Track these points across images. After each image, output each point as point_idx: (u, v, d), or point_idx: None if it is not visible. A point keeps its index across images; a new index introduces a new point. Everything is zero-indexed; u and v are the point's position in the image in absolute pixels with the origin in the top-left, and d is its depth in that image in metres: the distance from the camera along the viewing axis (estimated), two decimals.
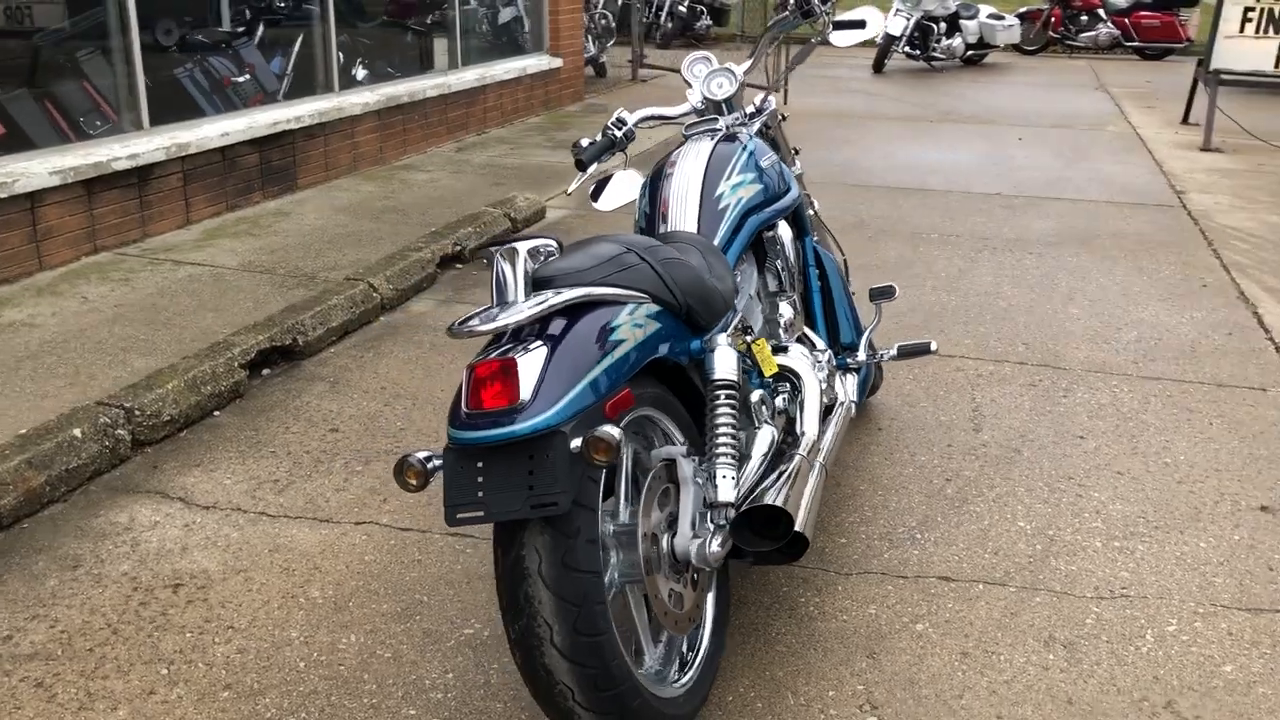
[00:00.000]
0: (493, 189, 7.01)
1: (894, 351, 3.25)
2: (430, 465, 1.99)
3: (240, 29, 6.78)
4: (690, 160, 2.88)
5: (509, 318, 1.96)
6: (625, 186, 3.07)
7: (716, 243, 2.70)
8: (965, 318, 4.85)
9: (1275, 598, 2.79)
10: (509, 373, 1.92)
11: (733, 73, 3.10)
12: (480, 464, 1.93)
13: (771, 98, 3.28)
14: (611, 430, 1.87)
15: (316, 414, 3.77)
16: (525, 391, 1.91)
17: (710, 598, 2.38)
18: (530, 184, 7.21)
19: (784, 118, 3.44)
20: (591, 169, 3.01)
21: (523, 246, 2.05)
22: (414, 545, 2.99)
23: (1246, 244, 6.14)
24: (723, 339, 2.38)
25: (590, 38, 12.22)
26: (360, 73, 7.73)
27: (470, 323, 1.99)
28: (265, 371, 4.11)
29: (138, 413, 3.45)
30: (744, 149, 2.94)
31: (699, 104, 3.15)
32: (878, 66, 14.44)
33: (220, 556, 2.92)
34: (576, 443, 1.90)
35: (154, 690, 2.40)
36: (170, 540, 2.99)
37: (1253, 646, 2.60)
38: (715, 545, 2.19)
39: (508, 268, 2.05)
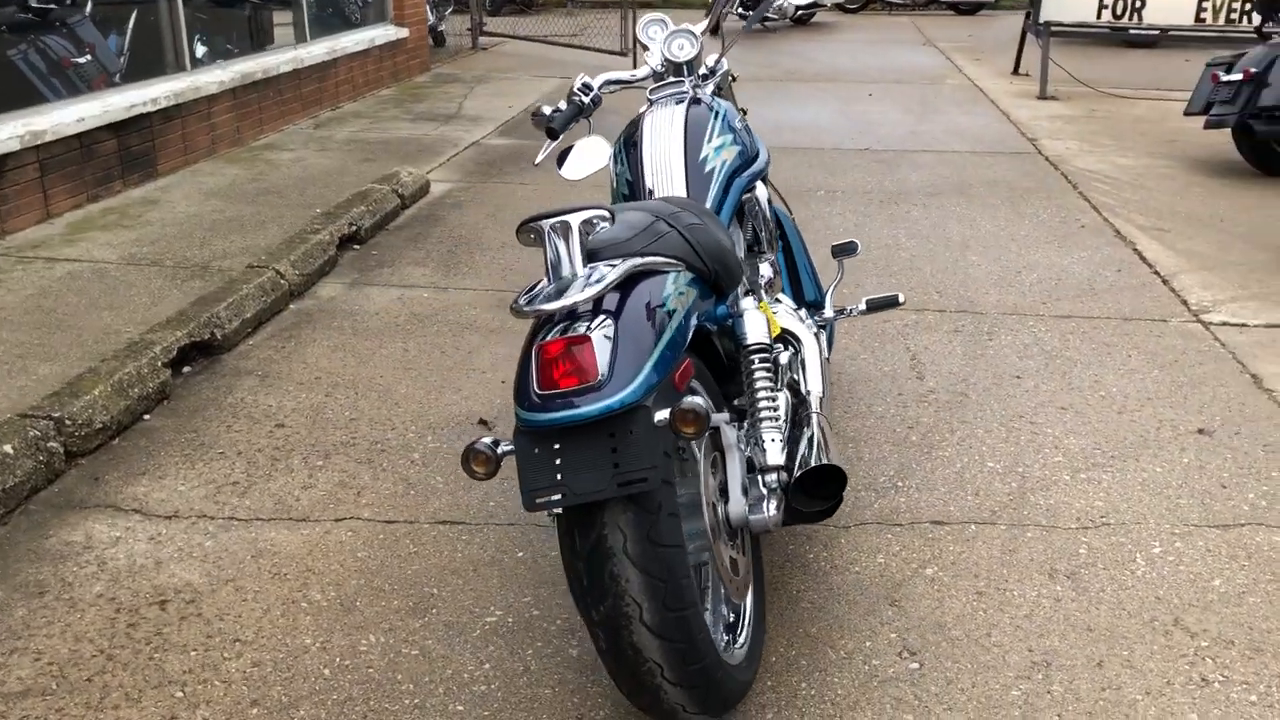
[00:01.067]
0: (364, 165, 6.77)
1: (863, 306, 3.30)
2: (500, 451, 1.92)
3: (70, 4, 6.29)
4: (665, 125, 2.84)
5: (577, 294, 1.89)
6: (592, 154, 2.99)
7: (708, 206, 2.68)
8: (875, 271, 4.98)
9: (1237, 513, 2.99)
10: (584, 350, 1.86)
11: (693, 34, 3.07)
12: (557, 445, 1.87)
13: (725, 59, 3.26)
14: (699, 401, 1.84)
15: (256, 410, 3.58)
16: (603, 368, 1.86)
17: (750, 561, 2.38)
18: (401, 158, 7.00)
19: (734, 78, 3.43)
20: (562, 137, 2.93)
21: (575, 219, 1.98)
22: (405, 537, 2.88)
23: (1106, 185, 6.50)
24: (749, 302, 2.37)
25: (429, 6, 11.89)
26: (208, 49, 7.31)
27: (534, 301, 1.92)
28: (186, 369, 3.86)
29: (68, 422, 3.20)
30: (717, 112, 2.91)
31: (659, 66, 3.10)
32: (715, 28, 14.55)
33: (201, 567, 2.74)
34: (661, 416, 1.87)
35: (174, 715, 2.24)
36: (140, 555, 2.79)
37: (1231, 560, 2.77)
38: (773, 509, 2.19)
39: (561, 242, 1.98)
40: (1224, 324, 4.33)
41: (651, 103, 3.03)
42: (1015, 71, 10.84)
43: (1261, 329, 4.28)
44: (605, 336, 1.89)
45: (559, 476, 1.86)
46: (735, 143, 2.86)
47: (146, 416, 3.52)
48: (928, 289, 4.72)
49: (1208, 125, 6.76)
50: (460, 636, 2.49)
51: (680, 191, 2.70)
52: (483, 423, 3.49)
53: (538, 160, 3.04)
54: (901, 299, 3.31)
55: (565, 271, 1.98)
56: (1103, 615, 2.56)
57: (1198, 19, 9.92)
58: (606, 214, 2.01)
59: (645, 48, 3.14)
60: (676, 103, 2.95)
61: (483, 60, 11.70)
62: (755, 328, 2.33)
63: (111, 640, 2.47)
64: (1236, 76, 6.53)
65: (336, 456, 3.29)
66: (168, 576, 2.70)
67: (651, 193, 2.71)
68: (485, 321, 4.35)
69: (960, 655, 2.43)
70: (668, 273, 2.11)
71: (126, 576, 2.70)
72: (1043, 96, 9.47)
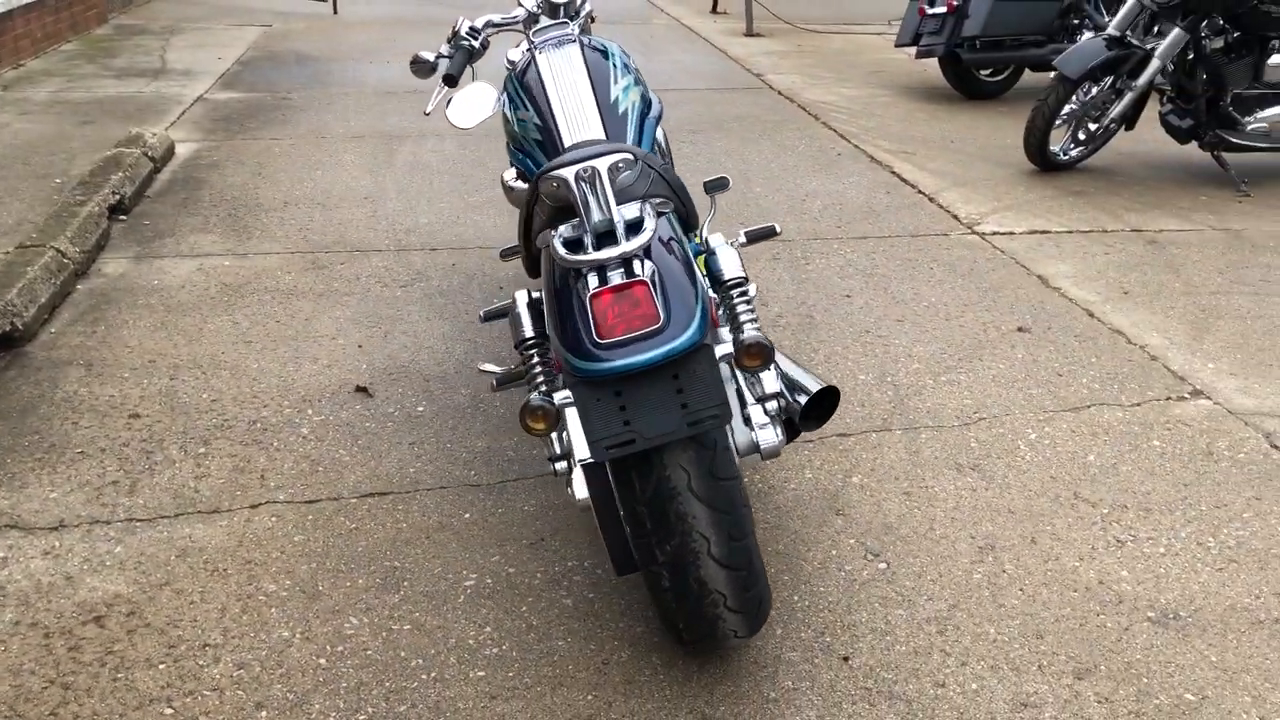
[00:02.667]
0: (85, 129, 6.14)
1: (743, 239, 3.39)
2: (558, 402, 1.88)
3: None
4: (566, 67, 2.81)
5: (630, 243, 1.88)
6: (480, 101, 2.92)
7: None
8: None
9: (1080, 396, 3.38)
10: (643, 296, 1.86)
11: None
12: (618, 392, 1.86)
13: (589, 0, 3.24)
14: (761, 335, 1.88)
15: (98, 402, 3.23)
16: (661, 311, 1.86)
17: None
18: (124, 119, 6.38)
19: (593, 19, 3.42)
20: (460, 84, 2.83)
21: (602, 164, 1.95)
22: (337, 514, 2.73)
23: (843, 115, 6.97)
24: (718, 239, 2.42)
25: None
26: None
27: (584, 252, 1.88)
28: None
29: None
30: (610, 53, 2.91)
31: (534, 7, 3.05)
32: None
33: (123, 576, 2.49)
34: (723, 352, 1.90)
35: None
36: (42, 573, 2.49)
37: (1094, 437, 3.15)
38: (780, 433, 2.27)
39: (590, 189, 1.95)
40: (995, 233, 4.81)
41: (534, 45, 2.98)
42: (714, 10, 11.28)
43: (1027, 235, 4.79)
44: (652, 280, 1.90)
45: (627, 422, 1.86)
46: (637, 84, 2.87)
47: None
48: (732, 221, 4.91)
49: (919, 55, 7.38)
50: (446, 605, 2.42)
51: (598, 135, 2.69)
52: (361, 390, 3.34)
53: (428, 109, 2.92)
54: (778, 228, 3.45)
55: (598, 217, 1.95)
56: (1016, 498, 2.85)
57: None
58: (631, 156, 2.00)
59: None
60: (564, 44, 2.91)
61: (165, 9, 10.77)
62: (731, 263, 2.38)
63: (58, 668, 2.21)
64: (941, 9, 7.15)
65: (218, 441, 3.04)
66: (88, 591, 2.44)
67: (568, 136, 2.68)
68: (308, 286, 4.12)
69: (917, 551, 2.63)
70: (665, 213, 2.13)
71: (38, 598, 2.41)
72: (749, 33, 9.94)
